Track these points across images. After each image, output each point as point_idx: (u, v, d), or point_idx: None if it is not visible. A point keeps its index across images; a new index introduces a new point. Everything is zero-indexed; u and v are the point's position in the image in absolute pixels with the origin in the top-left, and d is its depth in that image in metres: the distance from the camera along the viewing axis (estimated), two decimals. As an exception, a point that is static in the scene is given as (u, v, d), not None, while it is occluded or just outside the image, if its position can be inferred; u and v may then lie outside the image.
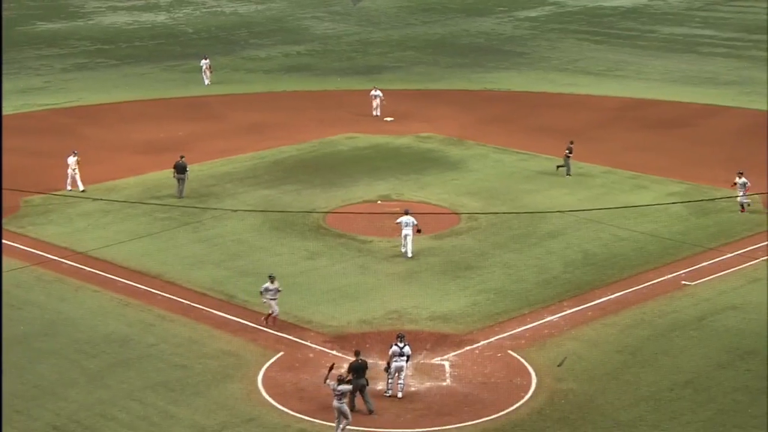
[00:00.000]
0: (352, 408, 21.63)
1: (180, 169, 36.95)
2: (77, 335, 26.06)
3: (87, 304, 28.03)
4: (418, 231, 31.62)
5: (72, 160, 37.16)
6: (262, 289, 26.10)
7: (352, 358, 22.81)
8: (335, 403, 21.00)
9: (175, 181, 36.99)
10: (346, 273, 30.39)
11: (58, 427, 21.48)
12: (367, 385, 21.94)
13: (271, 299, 25.98)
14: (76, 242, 32.71)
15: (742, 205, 33.87)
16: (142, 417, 21.97)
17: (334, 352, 25.04)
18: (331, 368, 21.76)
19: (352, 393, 21.73)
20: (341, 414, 21.05)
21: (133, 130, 47.19)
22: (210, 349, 25.39)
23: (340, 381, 21.00)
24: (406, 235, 31.96)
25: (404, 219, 32.31)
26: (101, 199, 36.83)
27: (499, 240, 33.03)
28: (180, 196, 36.75)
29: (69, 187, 36.94)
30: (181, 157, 37.56)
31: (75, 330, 26.32)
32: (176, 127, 48.04)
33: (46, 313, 27.22)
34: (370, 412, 21.81)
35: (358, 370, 22.03)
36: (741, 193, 33.65)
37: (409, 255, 31.58)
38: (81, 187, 37.04)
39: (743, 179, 33.80)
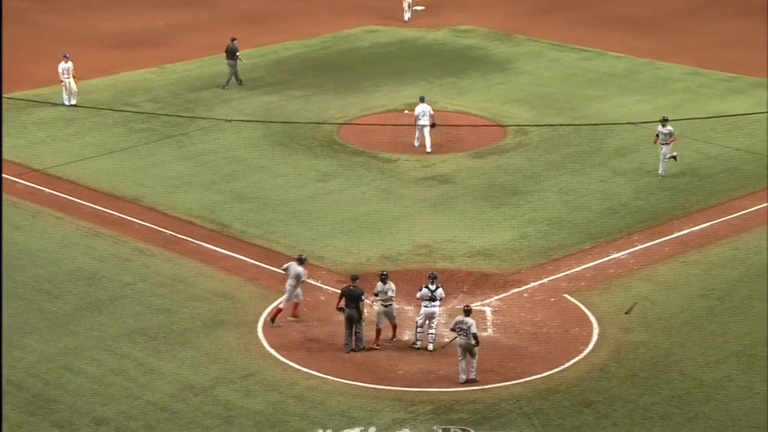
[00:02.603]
0: (355, 347, 22.48)
1: (229, 54, 38.10)
2: (36, 272, 26.17)
3: (47, 234, 28.17)
4: (432, 125, 31.75)
5: (64, 66, 36.48)
6: (284, 267, 23.78)
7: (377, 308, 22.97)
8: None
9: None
10: (365, 198, 30.42)
11: (14, 383, 21.61)
12: (361, 318, 22.37)
13: (294, 286, 23.56)
14: (32, 158, 32.76)
15: (673, 157, 30.38)
16: (115, 371, 22.10)
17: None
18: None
19: (347, 327, 22.32)
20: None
21: (101, 19, 46.89)
22: (199, 289, 25.47)
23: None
24: (422, 127, 32.27)
25: (420, 108, 32.22)
26: (62, 105, 36.78)
27: (555, 159, 32.84)
28: (225, 86, 37.84)
29: (66, 102, 36.61)
30: (233, 40, 38.32)
31: (33, 265, 26.46)
32: (155, 15, 47.59)
33: (14, 246, 27.30)
34: (359, 349, 22.35)
35: (351, 298, 22.29)
36: (663, 148, 30.39)
37: (429, 149, 32.09)
38: (70, 100, 36.73)
39: (668, 128, 30.41)
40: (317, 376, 21.87)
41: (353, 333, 22.58)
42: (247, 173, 32.00)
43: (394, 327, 23.04)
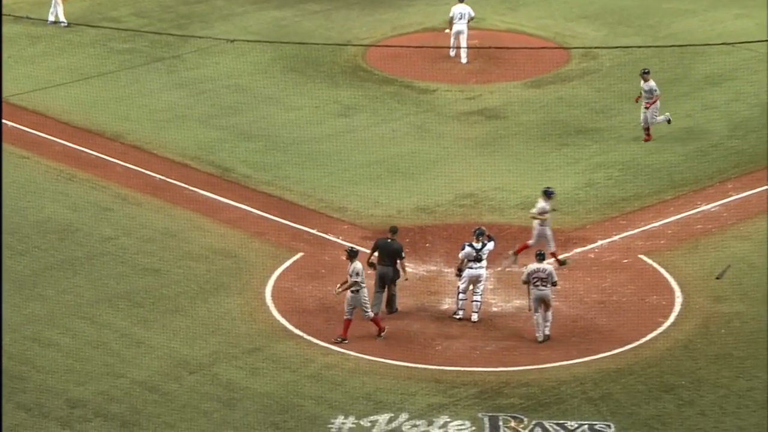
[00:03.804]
0: (390, 308, 22.73)
1: None
2: (0, 223, 26.51)
3: (10, 177, 28.19)
4: (472, 48, 32.42)
5: None
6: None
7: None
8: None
9: None
10: (396, 137, 30.47)
11: (-27, 355, 22.04)
12: (398, 278, 22.60)
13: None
14: (-6, 86, 33.13)
15: (667, 121, 29.25)
16: (93, 343, 22.28)
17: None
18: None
19: (378, 286, 22.43)
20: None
21: None
22: (195, 246, 25.61)
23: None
24: (458, 33, 32.70)
25: (458, 9, 32.55)
26: (28, 18, 36.71)
27: (630, 89, 32.42)
28: None
29: (51, 18, 36.75)
30: None
31: (-5, 215, 26.81)
32: None
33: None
34: (390, 312, 22.71)
35: (388, 253, 22.46)
36: (644, 107, 29.12)
37: (464, 60, 32.44)
38: (62, 19, 36.85)
39: (650, 83, 29.05)
40: (337, 351, 21.97)
41: (384, 295, 22.68)
42: (252, 105, 32.10)
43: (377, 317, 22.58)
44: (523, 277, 22.30)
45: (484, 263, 22.81)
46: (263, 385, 20.99)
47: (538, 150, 29.67)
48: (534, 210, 24.64)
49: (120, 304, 23.43)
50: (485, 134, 30.53)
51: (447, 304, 23.40)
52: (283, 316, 23.01)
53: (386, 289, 22.77)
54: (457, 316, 22.96)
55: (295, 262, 25.03)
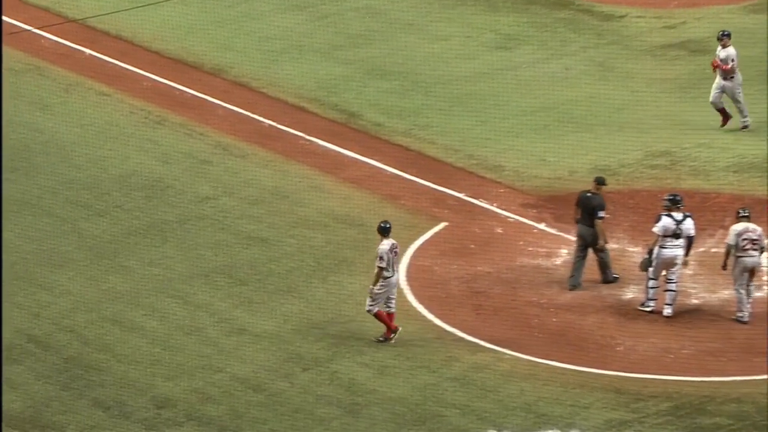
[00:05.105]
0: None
1: None
2: (70, 174, 26.88)
3: (87, 118, 28.70)
4: None
5: None
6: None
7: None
8: None
9: None
10: (570, 77, 30.32)
11: (38, 339, 22.28)
12: (605, 242, 23.20)
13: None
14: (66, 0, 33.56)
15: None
16: (186, 328, 22.57)
17: (542, 226, 25.07)
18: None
19: (579, 250, 23.18)
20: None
21: None
22: (312, 211, 25.81)
23: None
24: None
25: None
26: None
27: None
28: None
29: None
30: None
31: (66, 165, 27.18)
32: None
33: (38, 134, 28.15)
34: (606, 281, 23.45)
35: (585, 209, 22.95)
36: (720, 80, 28.51)
37: None
38: None
39: (729, 49, 28.56)
40: (489, 348, 21.94)
41: (599, 266, 23.09)
42: (387, 34, 32.22)
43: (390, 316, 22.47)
44: (730, 239, 22.06)
45: (681, 241, 22.49)
46: (394, 388, 21.06)
47: (758, 96, 28.95)
48: None
49: (219, 281, 23.66)
50: (688, 74, 30.17)
51: (632, 292, 23.22)
52: (421, 302, 23.12)
53: (596, 257, 23.17)
54: (647, 309, 22.80)
55: (436, 234, 25.12)
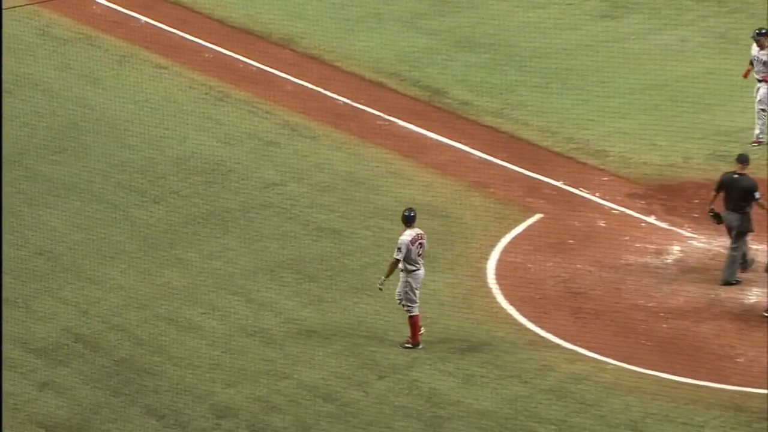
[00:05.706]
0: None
1: None
2: (123, 156, 27.12)
3: (143, 93, 28.99)
4: None
5: None
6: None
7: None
8: None
9: None
10: (686, 50, 30.41)
11: (86, 339, 22.47)
12: (750, 229, 23.33)
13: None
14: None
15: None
16: (250, 329, 22.66)
17: (651, 219, 24.99)
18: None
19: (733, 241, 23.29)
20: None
21: None
22: (390, 199, 25.79)
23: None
24: None
25: None
26: None
27: None
28: None
29: None
30: None
31: (118, 145, 27.39)
32: None
33: (88, 111, 28.37)
34: (744, 267, 23.59)
35: (735, 193, 23.10)
36: (761, 87, 28.13)
37: None
38: None
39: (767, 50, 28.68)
40: (589, 357, 21.92)
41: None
42: (477, 1, 32.43)
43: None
44: None
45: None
46: (482, 400, 21.05)
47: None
48: None
49: (285, 277, 23.79)
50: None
51: (756, 296, 23.12)
52: (512, 304, 23.15)
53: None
54: (770, 314, 22.81)
55: (530, 227, 25.20)
